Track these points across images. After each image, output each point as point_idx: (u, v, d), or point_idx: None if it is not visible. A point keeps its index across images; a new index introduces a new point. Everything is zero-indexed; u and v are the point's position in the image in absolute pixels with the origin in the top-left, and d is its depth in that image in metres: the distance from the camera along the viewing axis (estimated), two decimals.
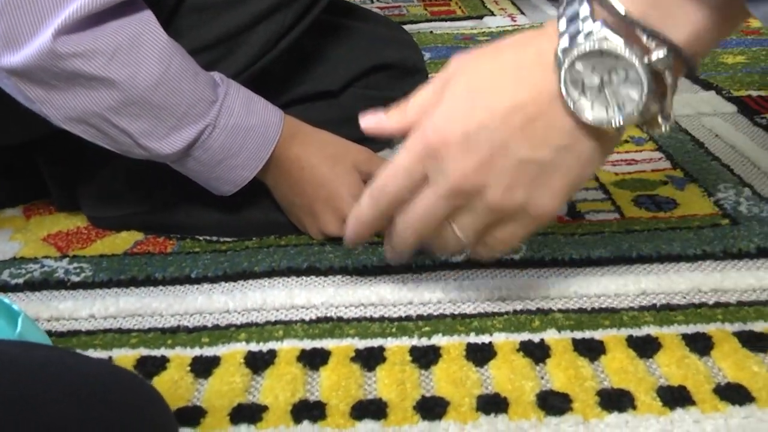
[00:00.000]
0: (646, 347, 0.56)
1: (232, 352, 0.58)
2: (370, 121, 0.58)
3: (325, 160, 0.71)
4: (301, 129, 0.72)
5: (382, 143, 0.94)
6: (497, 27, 1.55)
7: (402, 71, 0.90)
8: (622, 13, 0.46)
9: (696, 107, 1.04)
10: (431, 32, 1.53)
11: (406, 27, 1.58)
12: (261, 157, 0.69)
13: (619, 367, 0.55)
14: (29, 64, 0.58)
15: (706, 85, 1.13)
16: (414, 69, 0.92)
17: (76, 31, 0.58)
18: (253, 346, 0.58)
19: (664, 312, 0.60)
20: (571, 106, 0.48)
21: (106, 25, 0.60)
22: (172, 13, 0.70)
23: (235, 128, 0.67)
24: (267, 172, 0.70)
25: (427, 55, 1.34)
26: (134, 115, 0.62)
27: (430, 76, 1.13)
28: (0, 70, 0.60)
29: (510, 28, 1.53)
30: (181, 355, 0.58)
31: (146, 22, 0.62)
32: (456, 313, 0.62)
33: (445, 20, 1.65)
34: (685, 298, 0.62)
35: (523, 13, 1.67)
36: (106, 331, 0.61)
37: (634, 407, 0.51)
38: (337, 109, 0.87)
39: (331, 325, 0.61)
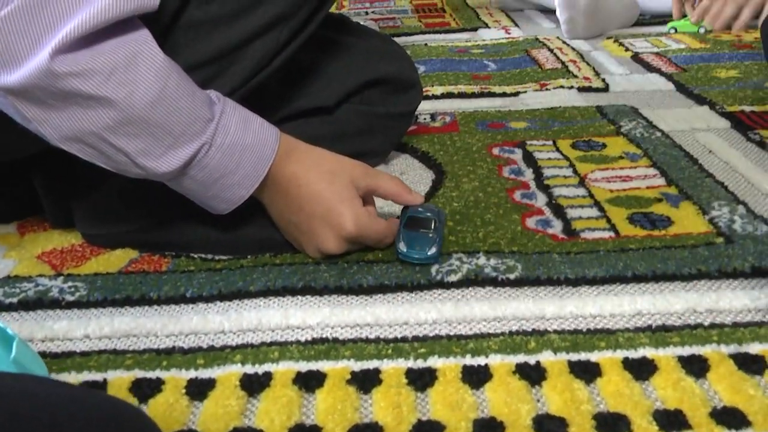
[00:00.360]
0: (641, 369, 0.56)
1: (228, 374, 0.58)
2: None
3: (323, 177, 0.71)
4: (297, 146, 0.72)
5: (376, 159, 0.94)
6: (492, 39, 1.56)
7: (396, 86, 0.90)
8: None
9: (690, 122, 1.05)
10: (426, 45, 1.53)
11: (401, 39, 1.59)
12: (257, 176, 0.68)
13: (615, 390, 0.55)
14: (26, 83, 0.58)
15: (700, 100, 1.13)
16: (408, 83, 0.92)
17: (74, 50, 0.58)
18: (249, 368, 0.58)
19: (660, 333, 0.61)
20: None
21: (103, 44, 0.59)
22: (167, 29, 0.70)
23: (231, 147, 0.67)
24: (263, 190, 0.70)
25: (421, 69, 1.35)
26: (131, 134, 0.62)
27: (424, 89, 1.14)
28: None
29: (505, 41, 1.53)
30: (176, 377, 0.58)
31: (143, 40, 0.62)
32: (452, 334, 0.62)
33: (440, 32, 1.65)
34: (680, 318, 0.63)
35: (517, 25, 1.68)
36: (100, 352, 0.61)
37: (630, 431, 0.51)
38: (333, 124, 0.88)
39: (327, 346, 0.61)
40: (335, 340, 0.61)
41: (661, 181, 0.87)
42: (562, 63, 1.34)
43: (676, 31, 1.55)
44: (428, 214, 0.74)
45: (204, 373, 0.58)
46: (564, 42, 1.50)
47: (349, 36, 0.90)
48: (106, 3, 0.58)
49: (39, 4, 0.57)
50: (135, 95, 0.61)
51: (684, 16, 1.59)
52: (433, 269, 0.70)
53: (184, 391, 0.56)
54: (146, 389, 0.56)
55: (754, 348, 0.58)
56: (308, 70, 0.86)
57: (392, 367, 0.58)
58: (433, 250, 0.70)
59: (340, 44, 0.88)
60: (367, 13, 1.89)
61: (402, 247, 0.70)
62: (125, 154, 0.63)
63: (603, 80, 1.24)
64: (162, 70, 0.62)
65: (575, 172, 0.90)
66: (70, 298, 0.68)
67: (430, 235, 0.72)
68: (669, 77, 1.25)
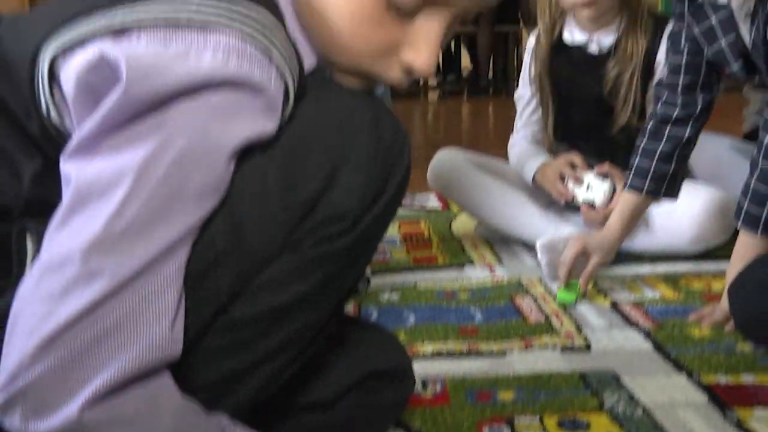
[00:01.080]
0: None
1: None
2: None
3: None
4: None
5: None
6: (477, 280, 1.64)
7: (392, 377, 0.95)
8: None
9: (669, 393, 1.10)
10: (415, 286, 1.61)
11: (390, 276, 1.67)
12: None
13: None
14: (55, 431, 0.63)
15: (678, 366, 1.19)
16: (403, 374, 0.97)
17: (101, 401, 0.63)
18: None
19: None
20: None
21: (128, 393, 0.64)
22: (185, 354, 0.75)
23: None
24: None
25: (411, 319, 1.42)
26: None
27: (414, 347, 1.19)
28: None
29: (489, 283, 1.62)
30: None
31: (163, 385, 0.67)
32: None
33: (428, 269, 1.74)
34: None
35: (501, 261, 1.77)
36: None
37: None
38: (331, 417, 0.92)
39: None
40: None
41: None
42: (546, 316, 1.42)
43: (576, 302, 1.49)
44: None
45: None
46: (546, 286, 1.58)
47: (346, 327, 0.97)
48: (134, 356, 0.64)
49: (74, 360, 0.62)
50: None
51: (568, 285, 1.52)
52: None
53: None
54: None
55: None
56: (308, 366, 0.91)
57: None
58: None
59: (338, 339, 0.94)
60: None
61: None
62: None
63: (585, 338, 1.31)
64: (179, 410, 0.68)
65: None
66: None
67: None
68: (647, 334, 1.32)
